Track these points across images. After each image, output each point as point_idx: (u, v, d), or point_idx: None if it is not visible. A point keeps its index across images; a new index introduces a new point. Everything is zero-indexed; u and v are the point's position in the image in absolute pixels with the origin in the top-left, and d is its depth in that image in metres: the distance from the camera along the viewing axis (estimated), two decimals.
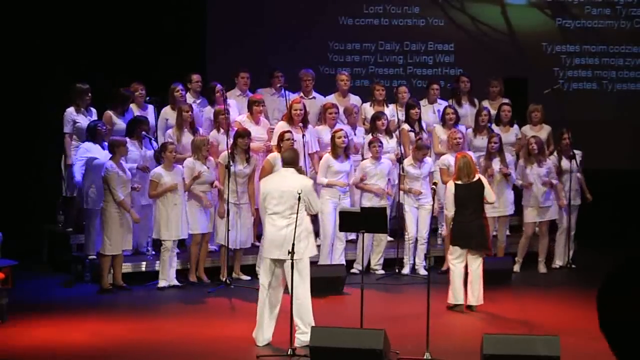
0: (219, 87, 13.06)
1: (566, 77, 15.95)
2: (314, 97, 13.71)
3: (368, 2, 15.93)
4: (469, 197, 10.90)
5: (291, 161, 9.71)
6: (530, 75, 15.61)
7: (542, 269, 13.23)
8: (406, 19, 15.96)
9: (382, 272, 12.87)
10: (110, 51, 14.58)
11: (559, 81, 15.67)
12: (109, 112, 12.80)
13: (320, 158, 12.69)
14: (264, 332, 9.49)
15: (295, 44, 15.54)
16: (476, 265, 10.94)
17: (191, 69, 13.73)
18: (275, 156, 12.17)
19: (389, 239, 13.06)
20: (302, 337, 9.28)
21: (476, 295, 10.93)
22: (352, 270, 12.61)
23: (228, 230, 11.99)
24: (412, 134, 13.22)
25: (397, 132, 13.21)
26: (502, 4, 15.98)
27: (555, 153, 13.33)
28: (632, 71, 15.99)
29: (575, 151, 13.27)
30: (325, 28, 15.85)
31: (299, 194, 9.18)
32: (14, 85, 14.27)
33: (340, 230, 10.93)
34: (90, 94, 12.79)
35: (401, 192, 12.87)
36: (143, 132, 12.49)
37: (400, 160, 12.84)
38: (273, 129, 12.92)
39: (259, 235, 12.66)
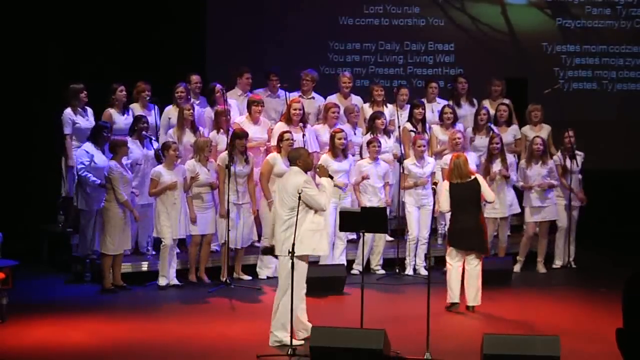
0: (219, 87, 13.05)
1: (566, 77, 15.96)
2: (313, 97, 13.71)
3: (368, 2, 15.94)
4: (464, 197, 10.85)
5: (292, 159, 9.67)
6: (530, 75, 15.63)
7: (541, 269, 13.23)
8: (406, 19, 15.97)
9: (382, 272, 12.86)
10: (110, 52, 14.57)
11: (559, 81, 15.68)
12: (109, 111, 12.80)
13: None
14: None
15: (295, 43, 15.54)
16: (473, 265, 10.90)
17: (191, 69, 13.72)
18: (274, 156, 12.20)
19: (389, 239, 13.05)
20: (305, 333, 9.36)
21: (474, 296, 10.91)
22: (352, 271, 12.60)
23: (228, 230, 12.00)
24: (412, 134, 13.21)
25: (396, 132, 13.19)
26: (502, 4, 15.99)
27: (559, 153, 13.32)
28: (632, 71, 16.00)
29: (577, 152, 13.27)
30: (325, 28, 15.86)
31: (300, 193, 9.20)
32: (13, 85, 14.26)
33: (341, 230, 10.93)
34: (85, 93, 12.77)
35: (402, 192, 12.86)
36: (144, 132, 12.50)
37: (400, 160, 12.83)
38: (271, 129, 12.92)
39: (259, 235, 12.68)
